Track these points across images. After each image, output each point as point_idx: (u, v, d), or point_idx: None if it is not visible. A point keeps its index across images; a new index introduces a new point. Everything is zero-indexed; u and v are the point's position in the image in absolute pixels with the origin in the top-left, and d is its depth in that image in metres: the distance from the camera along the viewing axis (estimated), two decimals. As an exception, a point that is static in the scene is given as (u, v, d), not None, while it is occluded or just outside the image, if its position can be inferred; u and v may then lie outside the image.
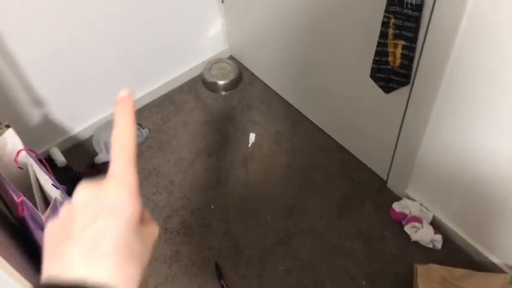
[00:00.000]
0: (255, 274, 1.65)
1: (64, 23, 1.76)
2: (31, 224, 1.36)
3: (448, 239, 1.68)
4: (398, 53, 1.37)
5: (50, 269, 0.33)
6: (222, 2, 2.23)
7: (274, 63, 2.16)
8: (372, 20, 1.42)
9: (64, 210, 0.37)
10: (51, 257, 0.34)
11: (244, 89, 2.33)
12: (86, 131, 2.13)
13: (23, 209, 1.32)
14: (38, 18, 1.68)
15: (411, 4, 1.23)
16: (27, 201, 1.27)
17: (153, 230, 0.38)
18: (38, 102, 1.88)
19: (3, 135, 1.46)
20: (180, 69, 2.33)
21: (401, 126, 1.60)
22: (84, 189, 0.37)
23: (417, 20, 1.26)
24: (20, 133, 1.50)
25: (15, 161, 1.47)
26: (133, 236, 0.35)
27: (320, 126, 2.09)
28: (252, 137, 2.09)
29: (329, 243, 1.71)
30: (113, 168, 0.36)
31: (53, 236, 0.35)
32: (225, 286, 1.61)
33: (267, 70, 2.28)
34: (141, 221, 0.36)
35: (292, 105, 2.20)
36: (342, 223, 1.77)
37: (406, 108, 1.52)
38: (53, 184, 1.35)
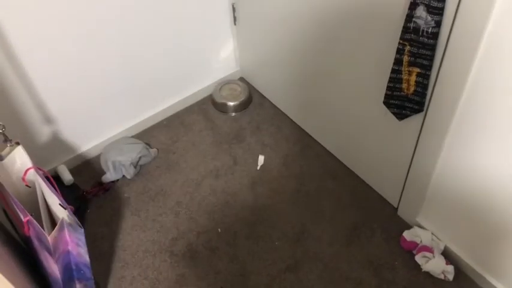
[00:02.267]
0: (262, 301, 1.61)
1: (75, 42, 1.77)
2: (36, 243, 1.34)
3: (460, 271, 1.63)
4: (413, 80, 1.36)
5: None
6: (235, 24, 2.24)
7: (285, 86, 2.16)
8: (386, 47, 1.41)
9: None
10: None
11: (254, 111, 2.32)
12: (94, 150, 2.12)
13: (29, 229, 1.30)
14: (50, 37, 1.69)
15: (427, 32, 1.22)
16: (34, 221, 1.26)
17: None
18: (47, 119, 1.88)
19: (12, 153, 1.46)
20: (191, 90, 2.33)
21: (413, 153, 1.58)
22: None
23: (433, 48, 1.25)
24: (28, 150, 1.49)
25: (23, 179, 1.46)
26: None
27: (330, 151, 2.07)
28: (261, 159, 2.07)
29: (338, 272, 1.67)
30: None
31: None
32: (230, 313, 1.57)
33: (278, 92, 2.27)
34: None
35: (302, 129, 2.19)
36: (351, 251, 1.73)
37: (419, 135, 1.50)
38: (60, 204, 1.34)
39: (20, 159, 1.47)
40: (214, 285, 1.66)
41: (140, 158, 2.02)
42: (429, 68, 1.30)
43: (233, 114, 2.30)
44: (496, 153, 1.28)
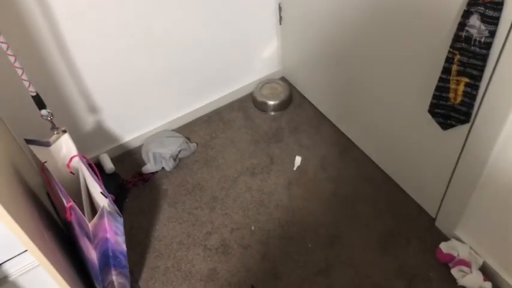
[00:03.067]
0: (291, 302, 1.62)
1: (123, 36, 1.81)
2: (77, 229, 1.39)
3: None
4: (461, 90, 1.32)
5: None
6: (280, 23, 2.24)
7: (326, 88, 2.14)
8: (435, 54, 1.38)
9: None
10: None
11: (294, 111, 2.32)
12: (135, 141, 2.17)
13: (71, 214, 1.35)
14: (99, 31, 1.74)
15: (479, 42, 1.19)
16: (76, 207, 1.30)
17: None
18: (93, 109, 1.94)
19: (59, 140, 1.51)
20: (232, 87, 2.35)
21: (456, 164, 1.54)
22: None
23: (484, 58, 1.21)
24: (74, 138, 1.54)
25: (68, 166, 1.51)
26: None
27: (369, 155, 2.05)
28: (298, 160, 2.07)
29: (370, 279, 1.65)
30: None
31: None
32: (259, 311, 1.58)
33: (319, 94, 2.26)
34: None
35: (341, 131, 2.17)
36: (385, 259, 1.71)
37: (464, 146, 1.46)
38: (101, 192, 1.38)
39: (66, 146, 1.52)
40: (245, 282, 1.68)
41: (180, 151, 2.06)
42: (479, 78, 1.26)
43: (272, 113, 2.31)
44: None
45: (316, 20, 1.95)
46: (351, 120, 2.07)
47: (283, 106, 2.32)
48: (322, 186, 1.97)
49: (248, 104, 2.37)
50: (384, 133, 1.87)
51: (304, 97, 2.38)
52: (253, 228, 1.84)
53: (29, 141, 1.46)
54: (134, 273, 1.72)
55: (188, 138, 2.17)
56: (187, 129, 2.25)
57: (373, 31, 1.64)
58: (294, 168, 2.04)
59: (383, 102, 1.78)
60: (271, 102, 2.29)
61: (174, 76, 2.09)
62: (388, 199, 1.89)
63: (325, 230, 1.81)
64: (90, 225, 1.30)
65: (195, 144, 2.15)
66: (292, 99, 2.37)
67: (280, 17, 2.21)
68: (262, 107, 2.32)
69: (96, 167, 2.01)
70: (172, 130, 2.23)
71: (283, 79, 2.49)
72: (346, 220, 1.84)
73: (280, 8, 2.17)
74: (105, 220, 1.36)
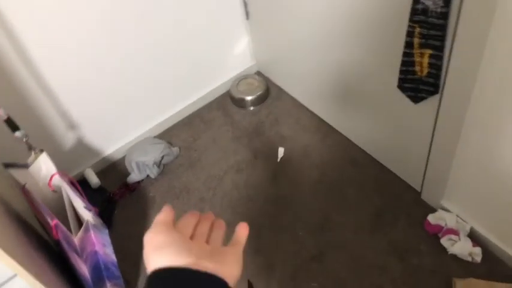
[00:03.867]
0: (288, 291, 1.63)
1: (93, 48, 1.81)
2: (65, 246, 1.39)
3: (488, 252, 1.61)
4: (426, 62, 1.34)
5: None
6: (247, 18, 2.24)
7: (301, 77, 2.15)
8: (397, 30, 1.39)
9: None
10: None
11: (272, 104, 2.33)
12: (118, 152, 2.17)
13: (57, 232, 1.35)
14: (68, 45, 1.74)
15: (436, 12, 1.20)
16: (61, 224, 1.31)
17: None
18: (71, 125, 1.94)
19: (37, 160, 1.51)
20: (209, 87, 2.36)
21: (432, 135, 1.56)
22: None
23: (443, 28, 1.23)
24: (55, 156, 1.55)
25: (49, 184, 1.51)
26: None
27: (351, 138, 2.06)
28: (281, 151, 2.08)
29: (363, 259, 1.67)
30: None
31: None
32: (257, 304, 1.59)
33: (295, 84, 2.27)
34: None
35: (321, 118, 2.18)
36: (376, 238, 1.72)
37: (437, 117, 1.48)
38: (85, 206, 1.38)
39: (45, 165, 1.52)
40: (241, 278, 1.68)
41: (163, 157, 2.06)
42: (441, 48, 1.28)
43: (251, 108, 2.32)
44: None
45: (283, 11, 1.96)
46: (329, 105, 2.09)
47: (261, 100, 2.33)
48: (308, 174, 1.98)
49: (226, 101, 2.38)
50: (361, 114, 1.88)
51: (281, 89, 2.39)
52: (243, 224, 1.84)
53: (7, 165, 1.46)
54: (130, 282, 1.72)
55: (170, 143, 2.17)
56: (168, 134, 2.26)
57: (340, 14, 1.65)
58: (278, 160, 2.06)
59: (357, 83, 1.79)
60: (248, 98, 2.30)
61: (150, 83, 2.09)
62: (373, 179, 1.91)
63: (314, 216, 1.83)
64: (76, 240, 1.31)
65: (178, 148, 2.16)
66: (270, 92, 2.38)
67: (247, 12, 2.22)
68: (240, 103, 2.33)
69: (82, 183, 2.02)
70: (154, 137, 2.24)
71: (258, 73, 2.50)
72: (334, 205, 1.85)
73: (245, 3, 2.18)
74: (91, 233, 1.37)
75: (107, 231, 1.37)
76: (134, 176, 2.04)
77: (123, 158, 2.17)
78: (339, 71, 1.85)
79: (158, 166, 2.05)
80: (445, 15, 1.20)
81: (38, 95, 1.76)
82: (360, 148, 2.02)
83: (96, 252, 1.42)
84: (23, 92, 1.72)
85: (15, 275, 1.25)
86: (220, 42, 2.25)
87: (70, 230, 1.38)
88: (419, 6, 1.23)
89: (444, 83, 1.36)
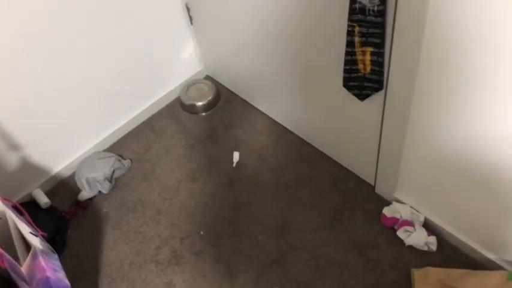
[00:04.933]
0: (251, 298, 1.61)
1: (32, 61, 1.73)
2: (13, 275, 1.32)
3: (443, 240, 1.65)
4: (368, 60, 1.35)
5: None
6: (191, 23, 2.21)
7: (251, 79, 2.14)
8: (338, 30, 1.40)
9: None
10: None
11: (224, 108, 2.30)
12: (67, 169, 2.09)
13: (2, 261, 1.28)
14: (6, 61, 1.66)
15: (373, 11, 1.21)
16: (5, 253, 1.24)
17: None
18: (13, 146, 1.85)
19: (-24, 187, 1.43)
20: (157, 95, 2.31)
21: (381, 130, 1.58)
22: None
23: (382, 26, 1.24)
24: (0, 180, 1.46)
25: (-8, 211, 1.43)
26: None
27: (305, 138, 2.07)
28: (236, 156, 2.06)
29: (324, 258, 1.68)
30: None
31: None
32: (221, 314, 1.57)
33: (245, 86, 2.25)
34: None
35: (274, 120, 2.18)
36: (335, 235, 1.74)
37: (384, 112, 1.50)
38: (31, 232, 1.32)
39: (-15, 191, 1.44)
40: (203, 288, 1.66)
41: (114, 171, 2.00)
42: (382, 45, 1.29)
43: (203, 114, 2.28)
44: (460, 115, 1.27)
45: (225, 13, 1.94)
46: (280, 106, 2.08)
47: (212, 105, 2.30)
48: (264, 177, 1.97)
49: (177, 109, 2.34)
50: (312, 113, 1.89)
51: (232, 92, 2.37)
52: (202, 233, 1.82)
53: None
54: (88, 304, 1.66)
55: (121, 156, 2.11)
56: (118, 147, 2.19)
57: (283, 17, 1.64)
58: (234, 165, 2.04)
59: (304, 83, 1.80)
60: (199, 103, 2.27)
61: (95, 95, 2.02)
62: (328, 177, 1.92)
63: (273, 219, 1.82)
64: (24, 268, 1.24)
65: (129, 160, 2.10)
66: (220, 96, 2.36)
67: (190, 17, 2.18)
68: (191, 109, 2.29)
69: (31, 204, 1.94)
70: (104, 150, 2.17)
71: (208, 78, 2.47)
72: (292, 206, 1.85)
73: (188, 8, 2.15)
74: (41, 259, 1.30)
75: (56, 256, 1.31)
76: (85, 193, 1.97)
77: (73, 175, 2.09)
78: (286, 71, 1.85)
79: (110, 181, 1.98)
80: (382, 13, 1.21)
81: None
82: (313, 147, 2.03)
83: (48, 278, 1.35)
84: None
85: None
86: (166, 48, 2.21)
87: (17, 258, 1.31)
88: (357, 6, 1.23)
89: (387, 78, 1.38)
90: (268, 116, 2.20)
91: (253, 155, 2.06)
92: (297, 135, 2.09)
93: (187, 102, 2.28)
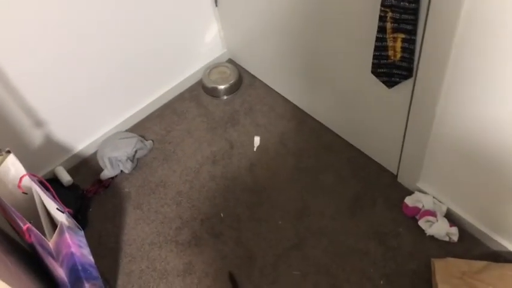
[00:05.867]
0: (270, 281, 1.62)
1: (58, 41, 1.74)
2: (39, 249, 1.34)
3: (465, 231, 1.64)
4: (399, 47, 1.33)
5: None
6: (216, 5, 2.20)
7: (274, 63, 2.13)
8: (369, 16, 1.38)
9: None
10: None
11: (246, 92, 2.30)
12: (89, 148, 2.11)
13: (29, 236, 1.30)
14: (29, 39, 1.66)
15: (408, -4, 1.19)
16: (33, 228, 1.26)
17: None
18: (38, 123, 1.87)
19: (4, 162, 1.45)
20: (180, 77, 2.31)
21: (407, 118, 1.57)
22: None
23: (415, 12, 1.22)
24: (24, 156, 1.49)
25: (19, 186, 1.45)
26: None
27: (326, 124, 2.06)
28: (257, 140, 2.06)
29: (343, 245, 1.68)
30: None
31: None
32: (240, 296, 1.59)
33: (268, 71, 2.24)
34: None
35: (295, 105, 2.17)
36: (355, 223, 1.73)
37: (411, 100, 1.48)
38: (58, 208, 1.34)
39: (13, 167, 1.46)
40: (222, 269, 1.67)
41: (136, 151, 2.01)
42: (414, 32, 1.27)
43: (225, 97, 2.28)
44: (491, 104, 1.25)
45: (251, -3, 1.93)
46: (303, 91, 2.07)
47: (234, 89, 2.29)
48: (284, 162, 1.97)
49: (199, 91, 2.34)
50: (336, 100, 1.88)
51: (254, 76, 2.36)
52: (222, 215, 1.83)
53: (-28, 169, 1.39)
54: (109, 281, 1.69)
55: (143, 137, 2.13)
56: (140, 128, 2.20)
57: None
58: (254, 149, 2.04)
59: (330, 68, 1.78)
60: (221, 87, 2.26)
61: (119, 75, 2.03)
62: (350, 164, 1.92)
63: (292, 204, 1.82)
64: (51, 244, 1.26)
65: (151, 141, 2.11)
66: (242, 80, 2.35)
67: (216, -1, 2.17)
68: (213, 92, 2.29)
69: (54, 181, 1.96)
70: (126, 131, 2.18)
71: (230, 61, 2.46)
72: (312, 192, 1.85)
73: (213, -10, 2.13)
74: (66, 235, 1.32)
75: (82, 232, 1.33)
76: (107, 172, 1.99)
77: (95, 154, 2.11)
78: (312, 56, 1.83)
79: (132, 161, 2.00)
80: (417, -1, 1.19)
81: (1, 93, 1.69)
82: (335, 133, 2.02)
83: (72, 254, 1.38)
84: (-15, 90, 1.64)
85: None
86: (190, 30, 2.20)
87: (44, 233, 1.33)
88: (391, -10, 1.21)
89: (417, 66, 1.36)
90: (289, 101, 2.19)
91: (274, 139, 2.06)
92: (318, 121, 2.08)
93: (209, 85, 2.28)
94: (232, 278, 1.65)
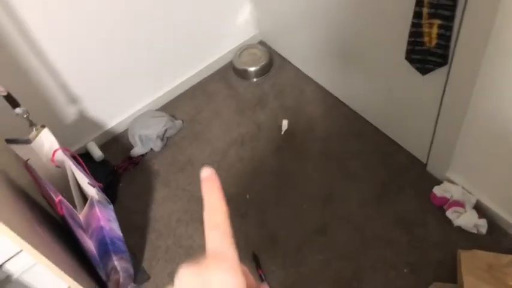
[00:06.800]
0: (293, 264, 1.64)
1: (94, 20, 1.77)
2: (70, 221, 1.39)
3: (494, 224, 1.60)
4: (434, 33, 1.30)
5: None
6: (250, -14, 2.18)
7: (305, 47, 2.11)
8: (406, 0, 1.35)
9: None
10: None
11: (276, 75, 2.29)
12: (121, 125, 2.16)
13: (61, 208, 1.35)
14: (67, 17, 1.70)
15: (447, -19, 1.16)
16: (65, 200, 1.30)
17: None
18: (73, 99, 1.91)
19: (39, 136, 1.49)
20: (211, 58, 2.32)
21: (440, 107, 1.53)
22: (186, 273, 0.35)
23: (454, -3, 1.18)
24: (57, 130, 1.53)
25: (52, 160, 1.50)
26: None
27: (355, 110, 2.03)
28: (285, 123, 2.06)
29: (368, 232, 1.67)
30: (210, 246, 0.36)
31: None
32: (262, 276, 1.61)
33: (299, 54, 2.22)
34: (248, 282, 0.36)
35: (325, 89, 2.15)
36: (381, 210, 1.72)
37: (445, 88, 1.45)
38: (89, 182, 1.38)
39: (47, 141, 1.51)
40: (246, 250, 1.70)
41: (166, 130, 2.04)
42: (451, 18, 1.24)
43: (255, 79, 2.28)
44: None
45: (285, -22, 1.90)
46: (335, 77, 2.05)
47: (264, 71, 2.29)
48: (312, 146, 1.96)
49: (229, 73, 2.34)
50: (368, 86, 1.85)
51: (285, 59, 2.34)
52: (248, 196, 1.85)
53: (9, 141, 1.44)
54: (137, 255, 1.74)
55: (173, 116, 2.15)
56: (171, 107, 2.23)
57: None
58: (282, 133, 2.04)
59: (365, 54, 1.75)
60: (252, 69, 2.26)
61: (151, 55, 2.06)
62: (378, 151, 1.89)
63: (318, 189, 1.82)
64: (81, 216, 1.31)
65: (181, 121, 2.14)
66: (273, 63, 2.34)
67: (249, -20, 2.16)
68: (243, 74, 2.29)
69: (85, 156, 2.01)
70: (156, 110, 2.21)
71: (261, 43, 2.45)
72: (338, 177, 1.84)
73: (247, -29, 2.12)
74: (96, 209, 1.37)
75: (111, 206, 1.37)
76: (137, 150, 2.03)
77: (126, 131, 2.15)
78: (345, 40, 1.80)
79: (162, 139, 2.03)
80: (456, -16, 1.15)
81: (37, 68, 1.73)
82: (364, 119, 2.00)
83: (101, 228, 1.42)
84: (22, 66, 1.69)
85: (20, 251, 1.26)
86: (222, 11, 2.19)
87: (74, 206, 1.38)
88: (430, -26, 1.18)
89: (453, 54, 1.32)
90: (320, 85, 2.17)
91: (302, 123, 2.05)
92: (348, 107, 2.06)
93: (240, 66, 2.28)
94: (255, 259, 1.67)
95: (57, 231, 1.58)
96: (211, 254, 0.36)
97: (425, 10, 1.26)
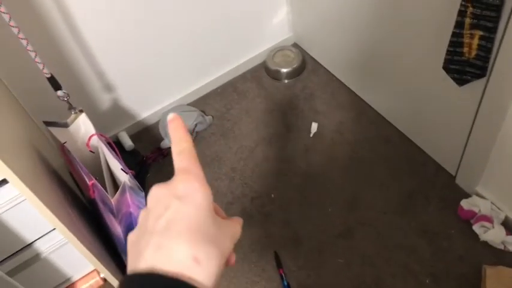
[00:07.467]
0: (314, 266, 1.64)
1: (134, 13, 1.81)
2: (101, 205, 1.42)
3: (521, 242, 1.58)
4: (475, 44, 1.29)
5: (130, 266, 0.35)
6: (288, -12, 2.20)
7: (339, 51, 2.11)
8: (447, 9, 1.35)
9: (141, 215, 0.38)
10: (133, 258, 0.35)
11: (308, 77, 2.30)
12: (152, 117, 2.19)
13: (94, 191, 1.38)
14: (108, 6, 1.74)
15: (492, -8, 1.15)
16: (98, 184, 1.34)
17: (233, 224, 0.40)
18: (108, 87, 1.96)
19: (77, 120, 1.54)
20: (244, 57, 2.34)
21: (474, 119, 1.52)
22: (155, 189, 0.38)
23: (498, 9, 1.18)
24: (91, 117, 1.57)
25: (87, 145, 1.54)
26: (207, 219, 0.36)
27: (385, 116, 2.03)
28: (314, 126, 2.06)
29: (391, 239, 1.67)
30: (177, 167, 0.38)
31: (133, 240, 0.37)
32: (283, 276, 1.62)
33: (332, 58, 2.23)
34: (218, 214, 0.38)
35: (356, 95, 2.15)
36: (406, 219, 1.71)
37: (481, 101, 1.44)
38: (122, 169, 1.41)
39: (84, 126, 1.55)
40: (268, 248, 1.71)
41: (196, 125, 2.07)
42: (494, 30, 1.23)
43: (286, 81, 2.29)
44: None
45: (325, -18, 1.91)
46: (367, 82, 2.05)
47: (296, 73, 2.30)
48: (340, 150, 1.97)
49: (261, 73, 2.36)
50: (400, 93, 1.84)
51: (318, 62, 2.35)
52: (273, 196, 1.86)
53: (47, 123, 1.49)
54: (160, 245, 1.76)
55: (203, 112, 2.18)
56: (202, 103, 2.26)
57: (383, -11, 1.60)
58: (311, 135, 2.04)
59: (398, 61, 1.75)
60: (284, 70, 2.27)
61: (186, 50, 2.09)
62: (406, 159, 1.89)
63: (344, 194, 1.82)
64: (113, 201, 1.34)
65: (211, 117, 2.17)
66: (306, 65, 2.35)
67: (288, -18, 2.17)
68: (275, 75, 2.30)
69: (116, 145, 2.06)
70: (188, 104, 2.25)
71: (295, 45, 2.46)
72: (364, 183, 1.84)
73: (287, -27, 2.13)
74: (127, 195, 1.40)
75: (143, 193, 1.40)
76: (167, 142, 2.06)
77: (157, 123, 2.19)
78: (380, 47, 1.80)
79: (191, 133, 2.06)
80: (502, -5, 1.15)
81: (77, 54, 1.78)
82: (395, 127, 1.99)
83: (130, 214, 1.45)
84: (64, 51, 1.74)
85: (53, 229, 1.30)
86: (259, 11, 2.21)
87: (106, 190, 1.41)
88: (475, -16, 1.18)
89: (492, 66, 1.31)
90: (351, 90, 2.17)
91: (331, 127, 2.06)
92: (379, 113, 2.05)
93: (273, 67, 2.29)
94: (277, 258, 1.68)
95: (84, 215, 1.62)
96: (179, 170, 0.38)
97: (467, 20, 1.25)
